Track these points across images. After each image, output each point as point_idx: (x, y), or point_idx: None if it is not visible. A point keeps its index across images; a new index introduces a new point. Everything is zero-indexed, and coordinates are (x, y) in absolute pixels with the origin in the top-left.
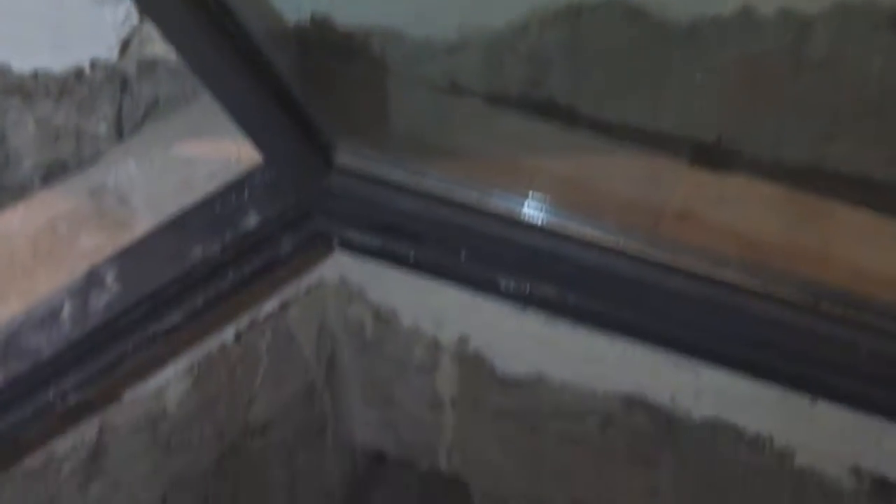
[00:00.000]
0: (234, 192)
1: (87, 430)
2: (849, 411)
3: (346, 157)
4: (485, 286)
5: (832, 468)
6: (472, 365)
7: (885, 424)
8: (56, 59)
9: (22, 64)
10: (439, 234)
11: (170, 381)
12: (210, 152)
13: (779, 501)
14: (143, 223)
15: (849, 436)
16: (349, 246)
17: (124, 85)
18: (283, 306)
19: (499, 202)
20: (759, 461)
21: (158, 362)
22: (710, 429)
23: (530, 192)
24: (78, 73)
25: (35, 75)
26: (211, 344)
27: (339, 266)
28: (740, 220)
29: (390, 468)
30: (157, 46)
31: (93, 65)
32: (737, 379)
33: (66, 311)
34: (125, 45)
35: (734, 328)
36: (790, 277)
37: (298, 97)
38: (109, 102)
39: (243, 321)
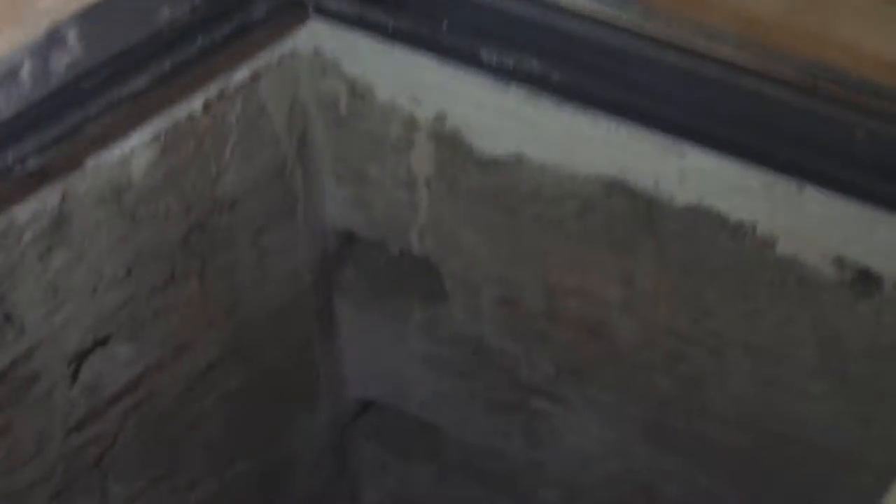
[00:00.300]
0: None
1: (48, 198)
2: (837, 199)
3: None
4: (466, 59)
5: (814, 258)
6: (450, 144)
7: (873, 213)
8: None
9: None
10: (420, 1)
11: (135, 150)
12: None
13: (756, 292)
14: None
15: (835, 224)
16: (324, 13)
17: None
18: (255, 76)
19: None
20: (739, 249)
21: (123, 129)
22: (692, 215)
23: None
24: None
25: None
26: (178, 113)
27: (313, 35)
28: None
29: (361, 249)
30: None
31: None
32: (724, 163)
33: (26, 70)
34: None
35: (727, 107)
36: (788, 56)
37: None
38: None
39: (213, 90)
